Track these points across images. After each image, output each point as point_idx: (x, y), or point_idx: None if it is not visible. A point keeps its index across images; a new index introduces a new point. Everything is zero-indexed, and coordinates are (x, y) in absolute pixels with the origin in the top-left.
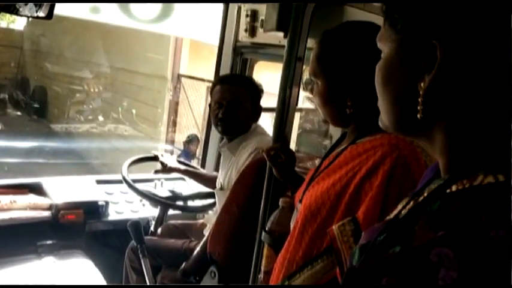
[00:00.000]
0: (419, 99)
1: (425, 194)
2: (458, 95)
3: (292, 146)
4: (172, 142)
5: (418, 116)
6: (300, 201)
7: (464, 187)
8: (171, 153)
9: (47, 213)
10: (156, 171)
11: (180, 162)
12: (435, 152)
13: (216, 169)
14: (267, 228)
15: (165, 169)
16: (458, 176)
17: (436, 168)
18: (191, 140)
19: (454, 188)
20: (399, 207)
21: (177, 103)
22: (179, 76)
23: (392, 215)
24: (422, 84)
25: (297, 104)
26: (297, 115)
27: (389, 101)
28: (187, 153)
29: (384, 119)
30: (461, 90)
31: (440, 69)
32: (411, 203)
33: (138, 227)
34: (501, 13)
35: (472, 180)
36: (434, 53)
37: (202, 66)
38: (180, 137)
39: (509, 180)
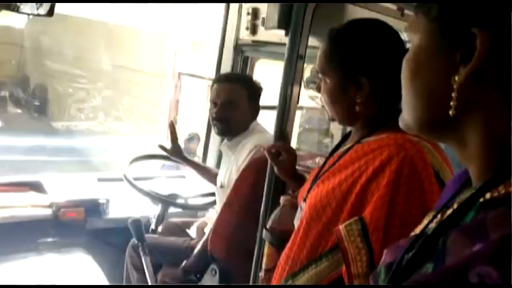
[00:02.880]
0: (453, 94)
1: (455, 206)
2: (498, 90)
3: (293, 144)
4: None
5: (451, 112)
6: (304, 200)
7: (499, 194)
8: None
9: (47, 211)
10: (161, 146)
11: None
12: (466, 156)
13: (217, 167)
14: (267, 227)
15: (171, 151)
16: (493, 182)
17: (463, 178)
18: (192, 138)
19: (488, 196)
20: (425, 221)
21: (177, 101)
22: (180, 74)
23: (418, 230)
24: (456, 78)
25: (298, 102)
26: (298, 113)
27: (417, 97)
28: (187, 151)
29: (408, 118)
30: (501, 85)
31: (479, 61)
32: (439, 216)
33: (139, 225)
34: None
35: (508, 185)
36: (472, 43)
37: (203, 63)
38: (181, 135)
39: None
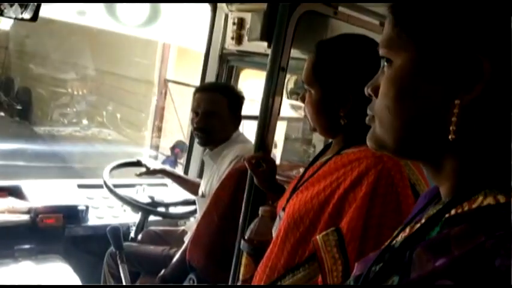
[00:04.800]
0: (453, 119)
1: (423, 221)
2: (494, 115)
3: (279, 154)
4: (157, 148)
5: (450, 137)
6: (283, 209)
7: (463, 210)
8: (156, 158)
9: (25, 217)
10: (140, 174)
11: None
12: (439, 177)
13: (199, 176)
14: (246, 237)
15: (149, 171)
16: (459, 199)
17: (433, 193)
18: (177, 146)
19: (453, 212)
20: (394, 235)
21: (162, 108)
22: (166, 81)
23: (386, 244)
24: (456, 103)
25: (279, 114)
26: (284, 124)
27: (402, 118)
28: (171, 160)
29: (385, 137)
30: (497, 111)
31: (484, 88)
32: (407, 230)
33: (117, 233)
34: None
35: (472, 202)
36: (478, 70)
37: (189, 71)
38: (166, 143)
39: (510, 201)
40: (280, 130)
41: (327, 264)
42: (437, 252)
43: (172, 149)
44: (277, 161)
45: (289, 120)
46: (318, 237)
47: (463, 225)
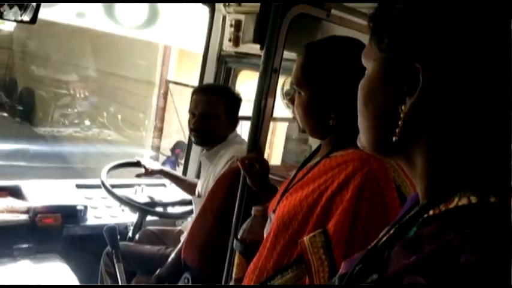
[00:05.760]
0: (400, 122)
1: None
2: (439, 119)
3: (279, 154)
4: (157, 148)
5: (394, 138)
6: (274, 211)
7: (440, 211)
8: (157, 159)
9: (24, 217)
10: (138, 175)
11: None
12: (414, 175)
13: (198, 176)
14: (238, 236)
15: (147, 172)
16: (437, 200)
17: (417, 196)
18: (177, 146)
19: (431, 212)
20: (380, 235)
21: (163, 109)
22: (167, 82)
23: (372, 245)
24: (403, 107)
25: (272, 115)
26: (285, 125)
27: (369, 121)
28: (172, 160)
29: (363, 139)
30: (443, 115)
31: (422, 94)
32: (391, 231)
33: (114, 232)
34: (488, 41)
35: (448, 203)
36: (417, 77)
37: (190, 72)
38: (166, 143)
39: (483, 201)
40: (281, 131)
41: (314, 265)
42: (412, 251)
43: (173, 149)
44: (278, 162)
45: (290, 121)
46: (305, 238)
47: (435, 224)
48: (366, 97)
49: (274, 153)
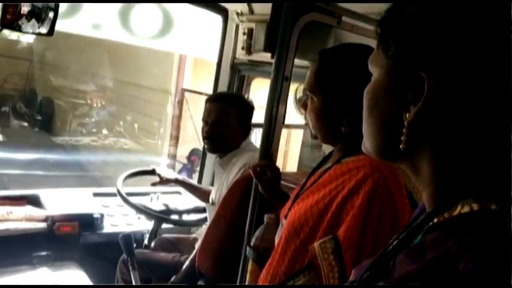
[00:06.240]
0: (404, 130)
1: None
2: (444, 127)
3: (294, 162)
4: (174, 156)
5: (401, 146)
6: (285, 217)
7: (444, 219)
8: (173, 167)
9: (42, 225)
10: (154, 184)
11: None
12: (420, 182)
13: (212, 184)
14: (251, 244)
15: (162, 181)
16: (441, 208)
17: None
18: (193, 154)
19: (435, 220)
20: (389, 243)
21: (179, 117)
22: (183, 90)
23: (381, 251)
24: (407, 115)
25: (283, 122)
26: (301, 132)
27: (373, 128)
28: (188, 168)
29: (367, 145)
30: (447, 123)
31: (427, 102)
32: (399, 238)
33: (129, 240)
34: (492, 52)
35: (452, 211)
36: (422, 85)
37: (205, 80)
38: (183, 151)
39: (484, 208)
40: (297, 138)
41: (324, 271)
42: (415, 258)
43: (189, 157)
44: (295, 169)
45: (304, 127)
46: (315, 244)
47: (438, 231)
48: (370, 103)
49: (290, 160)
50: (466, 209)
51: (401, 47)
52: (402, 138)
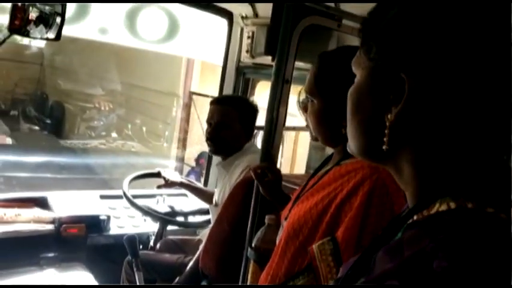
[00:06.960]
0: (386, 131)
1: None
2: (424, 127)
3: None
4: (182, 159)
5: (384, 147)
6: (286, 218)
7: (423, 216)
8: (181, 170)
9: (50, 227)
10: (159, 186)
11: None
12: (403, 183)
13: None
14: (253, 245)
15: (167, 183)
16: (420, 206)
17: None
18: (201, 157)
19: (415, 217)
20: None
21: (186, 120)
22: (190, 93)
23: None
24: (389, 116)
25: (284, 124)
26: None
27: (357, 129)
28: (196, 171)
29: (352, 146)
30: (427, 124)
31: (407, 103)
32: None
33: (134, 241)
34: (471, 55)
35: (430, 209)
36: (402, 87)
37: (212, 83)
38: (191, 154)
39: (460, 207)
40: (305, 140)
41: (322, 272)
42: (393, 255)
43: (197, 160)
44: (302, 171)
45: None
46: (314, 246)
47: (415, 229)
48: (353, 105)
49: (298, 162)
50: (443, 207)
51: (382, 49)
52: (385, 139)
